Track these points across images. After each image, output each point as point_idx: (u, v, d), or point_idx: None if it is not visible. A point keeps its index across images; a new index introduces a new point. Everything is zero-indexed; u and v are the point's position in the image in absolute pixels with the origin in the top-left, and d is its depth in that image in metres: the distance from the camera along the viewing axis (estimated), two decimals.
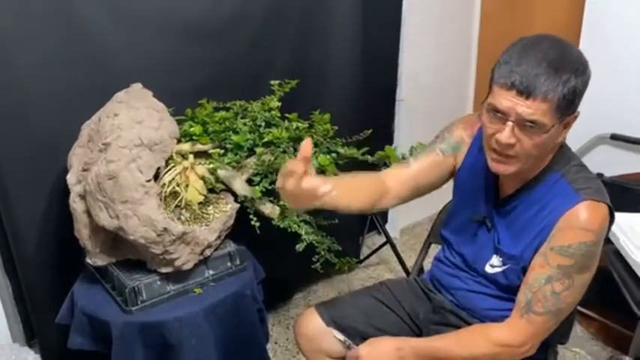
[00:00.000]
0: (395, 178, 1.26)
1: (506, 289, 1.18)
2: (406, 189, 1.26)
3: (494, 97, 1.01)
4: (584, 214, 1.03)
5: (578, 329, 2.06)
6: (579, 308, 2.03)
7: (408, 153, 1.39)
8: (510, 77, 0.97)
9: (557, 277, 1.05)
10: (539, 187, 1.11)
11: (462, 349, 1.14)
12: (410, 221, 2.74)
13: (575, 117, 1.04)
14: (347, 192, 1.15)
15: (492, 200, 1.20)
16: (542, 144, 1.02)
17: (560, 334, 1.23)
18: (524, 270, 1.12)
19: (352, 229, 2.39)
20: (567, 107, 0.99)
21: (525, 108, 0.97)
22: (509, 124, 0.99)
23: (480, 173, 1.21)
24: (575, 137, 2.22)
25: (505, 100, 0.98)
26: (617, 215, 1.64)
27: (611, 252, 1.63)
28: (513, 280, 1.15)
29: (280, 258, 1.96)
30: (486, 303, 1.23)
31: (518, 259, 1.13)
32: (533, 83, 0.96)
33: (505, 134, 1.00)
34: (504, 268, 1.17)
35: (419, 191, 1.27)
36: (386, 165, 1.45)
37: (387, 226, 2.52)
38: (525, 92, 0.96)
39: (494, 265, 1.18)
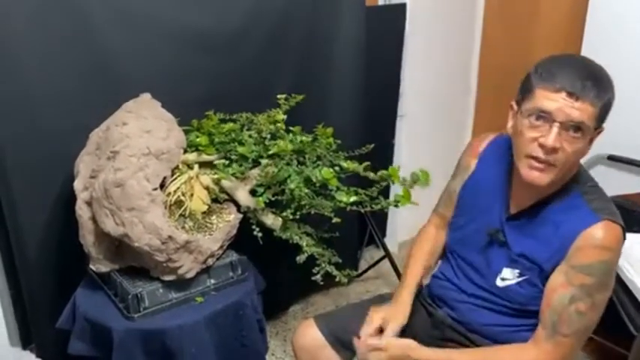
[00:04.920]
0: (443, 230, 1.38)
1: (512, 304, 1.19)
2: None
3: (537, 100, 1.02)
4: (602, 233, 1.05)
5: None
6: None
7: (409, 178, 1.41)
8: (558, 80, 1.00)
9: (580, 297, 1.05)
10: (558, 204, 1.12)
11: None
12: (408, 236, 2.74)
13: (600, 132, 1.07)
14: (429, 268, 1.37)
15: (504, 214, 1.21)
16: (580, 151, 1.04)
17: None
18: (542, 280, 1.13)
19: (351, 243, 2.40)
20: (603, 118, 1.03)
21: (575, 110, 0.99)
22: (556, 125, 1.00)
23: (491, 188, 1.23)
24: None
25: (553, 101, 1.00)
26: None
27: None
28: (528, 291, 1.15)
29: (278, 269, 1.97)
30: (487, 318, 1.23)
31: (538, 268, 1.13)
32: (583, 87, 0.98)
33: (552, 136, 1.00)
34: (520, 279, 1.16)
35: None
36: (387, 182, 1.47)
37: (386, 240, 2.54)
38: (575, 94, 0.99)
39: (505, 279, 1.18)
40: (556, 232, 1.10)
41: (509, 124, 1.13)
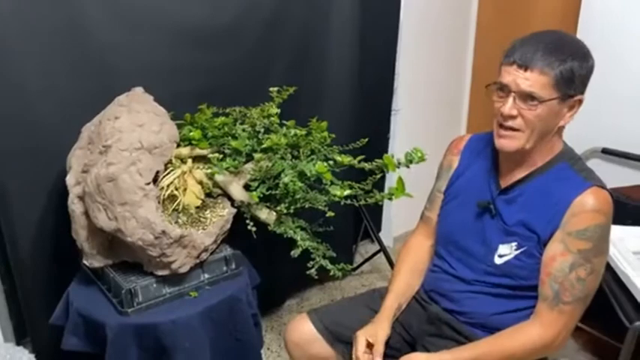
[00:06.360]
0: (431, 236, 1.41)
1: (513, 280, 1.19)
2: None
3: (500, 75, 1.12)
4: (595, 198, 1.10)
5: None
6: None
7: (403, 158, 1.40)
8: (512, 55, 1.10)
9: (580, 263, 1.09)
10: (548, 174, 1.17)
11: (497, 353, 1.15)
12: (403, 230, 2.75)
13: (580, 102, 1.12)
14: (414, 286, 1.38)
15: (495, 188, 1.24)
16: (544, 117, 1.09)
17: None
18: (540, 250, 1.14)
19: (345, 237, 2.40)
20: (567, 86, 1.08)
21: (524, 80, 1.08)
22: (512, 95, 1.10)
23: (479, 173, 1.28)
24: None
25: (507, 74, 1.11)
26: None
27: None
28: (526, 264, 1.17)
29: (273, 264, 1.97)
30: (489, 305, 1.23)
31: (536, 236, 1.15)
32: (531, 58, 1.07)
33: (507, 105, 1.11)
34: (517, 252, 1.18)
35: None
36: (382, 172, 1.47)
37: (381, 234, 2.54)
38: (523, 66, 1.08)
39: (503, 255, 1.20)
40: (548, 200, 1.14)
41: None
